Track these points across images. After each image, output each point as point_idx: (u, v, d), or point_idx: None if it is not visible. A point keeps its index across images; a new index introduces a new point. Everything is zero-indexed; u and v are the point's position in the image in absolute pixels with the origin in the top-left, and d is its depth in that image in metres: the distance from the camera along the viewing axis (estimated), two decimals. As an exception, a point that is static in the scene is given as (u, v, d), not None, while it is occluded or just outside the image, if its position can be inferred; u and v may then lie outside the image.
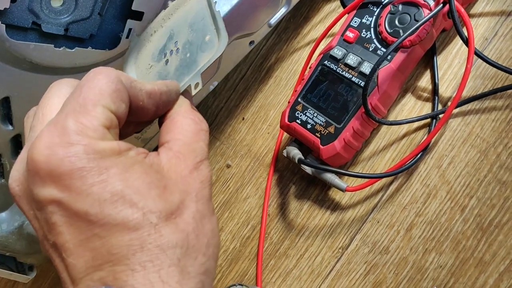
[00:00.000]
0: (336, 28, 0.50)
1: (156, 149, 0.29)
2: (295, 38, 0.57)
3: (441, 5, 0.42)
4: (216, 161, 0.57)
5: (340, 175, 0.47)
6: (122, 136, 0.29)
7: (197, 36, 0.33)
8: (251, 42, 0.54)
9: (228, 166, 0.56)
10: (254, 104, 0.58)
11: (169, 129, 0.29)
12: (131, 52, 0.39)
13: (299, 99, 0.48)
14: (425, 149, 0.45)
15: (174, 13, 0.36)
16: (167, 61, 0.35)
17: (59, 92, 0.28)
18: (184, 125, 0.29)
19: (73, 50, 0.40)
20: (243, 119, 0.58)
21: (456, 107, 0.45)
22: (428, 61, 0.48)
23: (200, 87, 0.31)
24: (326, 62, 0.48)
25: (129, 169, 0.24)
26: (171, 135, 0.28)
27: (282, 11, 0.53)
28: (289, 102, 0.49)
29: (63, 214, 0.23)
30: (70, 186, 0.23)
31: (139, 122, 0.31)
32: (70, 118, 0.24)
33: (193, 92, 0.31)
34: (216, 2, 0.33)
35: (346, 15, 0.49)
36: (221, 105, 0.60)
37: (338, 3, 0.55)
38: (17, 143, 0.44)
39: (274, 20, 0.53)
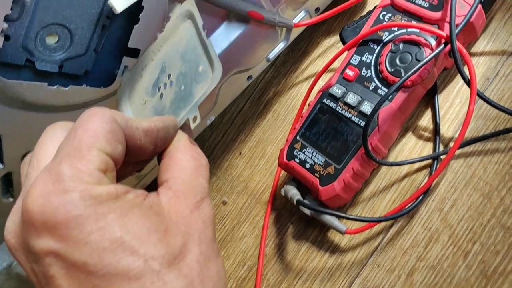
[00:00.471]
0: (335, 64, 0.50)
1: (153, 185, 0.28)
2: (294, 72, 0.57)
3: (443, 45, 0.41)
4: (212, 197, 0.56)
5: (340, 217, 0.45)
6: (121, 177, 0.29)
7: (190, 67, 0.32)
8: (249, 77, 0.53)
9: (224, 203, 0.55)
10: (251, 138, 0.57)
11: (168, 167, 0.28)
12: (124, 88, 0.38)
13: (297, 137, 0.47)
14: (426, 192, 0.44)
15: (164, 45, 0.35)
16: (161, 95, 0.34)
17: (53, 136, 0.27)
18: (183, 162, 0.28)
19: (67, 88, 0.39)
20: (240, 154, 0.56)
21: (458, 148, 0.44)
22: (429, 99, 0.48)
23: (198, 120, 0.30)
24: (325, 100, 0.47)
25: (128, 214, 0.23)
26: (170, 173, 0.28)
27: (280, 46, 0.53)
28: (287, 140, 0.48)
29: (61, 265, 0.22)
30: (66, 236, 0.22)
31: (138, 161, 0.30)
32: (65, 163, 0.23)
33: (192, 126, 0.30)
34: (206, 31, 0.32)
35: (346, 52, 0.48)
36: (218, 139, 0.59)
37: (337, 37, 0.54)
38: (7, 181, 0.43)
39: (272, 55, 0.52)
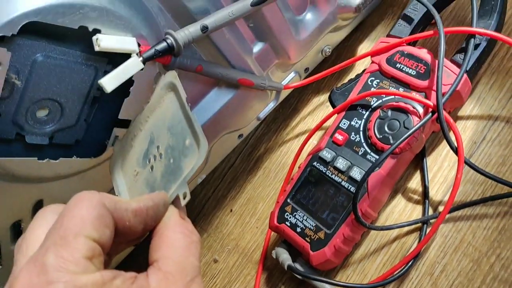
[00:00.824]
0: (325, 123, 0.50)
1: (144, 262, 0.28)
2: (284, 129, 0.57)
3: (430, 114, 0.42)
4: (203, 255, 0.56)
5: (331, 285, 0.45)
6: (115, 253, 0.29)
7: (177, 140, 0.32)
8: (240, 136, 0.53)
9: (215, 261, 0.55)
10: (242, 195, 0.57)
11: (158, 246, 0.28)
12: (116, 158, 0.38)
13: (288, 200, 0.47)
14: (416, 257, 0.44)
15: (151, 116, 0.35)
16: (152, 167, 0.34)
17: (43, 221, 0.27)
18: (174, 240, 0.28)
19: (57, 161, 0.39)
20: (231, 211, 0.56)
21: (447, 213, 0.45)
22: (418, 162, 0.48)
23: (188, 197, 0.30)
24: (315, 163, 0.47)
25: None
26: (160, 253, 0.27)
27: (270, 106, 0.53)
28: (277, 202, 0.48)
29: None
30: None
31: (129, 240, 0.30)
32: (50, 252, 0.23)
33: (183, 203, 0.30)
34: (189, 105, 0.32)
35: (335, 115, 0.49)
36: (208, 195, 0.59)
37: (327, 95, 0.55)
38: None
39: (262, 114, 0.53)
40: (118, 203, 0.27)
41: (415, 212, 0.47)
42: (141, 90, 0.40)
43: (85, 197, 0.25)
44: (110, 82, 0.33)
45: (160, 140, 0.34)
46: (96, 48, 0.34)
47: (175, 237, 0.28)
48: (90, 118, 0.41)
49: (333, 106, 0.49)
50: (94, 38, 0.34)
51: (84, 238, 0.24)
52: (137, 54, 0.36)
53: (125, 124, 0.41)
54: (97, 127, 0.42)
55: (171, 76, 0.34)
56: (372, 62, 0.48)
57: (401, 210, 0.47)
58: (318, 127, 0.51)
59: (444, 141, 0.48)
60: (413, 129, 0.42)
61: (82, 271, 0.23)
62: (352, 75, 0.53)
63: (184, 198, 0.30)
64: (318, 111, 0.56)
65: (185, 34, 0.38)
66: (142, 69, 0.38)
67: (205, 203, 0.58)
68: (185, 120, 0.32)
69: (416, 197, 0.47)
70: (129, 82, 0.39)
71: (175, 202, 0.31)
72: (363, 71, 0.49)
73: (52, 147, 0.40)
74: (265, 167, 0.57)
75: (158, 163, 0.34)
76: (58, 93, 0.38)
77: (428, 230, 0.45)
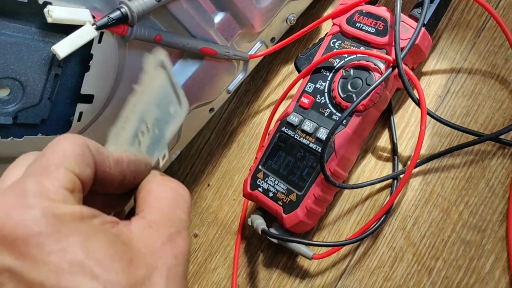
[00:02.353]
0: (293, 90, 0.51)
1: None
2: (256, 101, 0.58)
3: (390, 69, 0.42)
4: (183, 230, 0.56)
5: (305, 244, 0.46)
6: (89, 205, 0.28)
7: (162, 112, 0.33)
8: (211, 109, 0.54)
9: (196, 235, 0.55)
10: (218, 169, 0.57)
11: (144, 199, 0.27)
12: (109, 143, 0.38)
13: (259, 167, 0.48)
14: (388, 212, 0.45)
15: (142, 96, 0.35)
16: (139, 143, 0.34)
17: (24, 162, 0.26)
18: (160, 192, 0.27)
19: (21, 139, 0.39)
20: (209, 185, 0.57)
21: (416, 166, 0.45)
22: (385, 120, 0.49)
23: (167, 157, 0.30)
24: (283, 128, 0.47)
25: (92, 238, 0.22)
26: (145, 204, 0.26)
27: (239, 77, 0.54)
28: (250, 170, 0.49)
29: (15, 285, 0.21)
30: (25, 253, 0.21)
31: (106, 194, 0.29)
32: (30, 179, 0.23)
33: (161, 163, 0.30)
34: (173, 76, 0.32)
35: (301, 79, 0.49)
36: (186, 171, 0.59)
37: (295, 64, 0.55)
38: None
39: (232, 86, 0.53)
40: (101, 149, 0.27)
41: (386, 170, 0.48)
42: (101, 64, 0.40)
43: (69, 136, 0.25)
44: (62, 48, 0.34)
45: (149, 117, 0.34)
46: (49, 20, 0.34)
47: (161, 190, 0.27)
48: (54, 96, 0.41)
49: (299, 71, 0.50)
50: (45, 10, 0.35)
51: (65, 170, 0.24)
52: (90, 23, 0.36)
53: (89, 99, 0.41)
54: (62, 105, 0.42)
55: (162, 54, 0.34)
56: (333, 24, 0.48)
57: (372, 169, 0.48)
58: (285, 94, 0.51)
59: (410, 99, 0.48)
60: (374, 84, 0.42)
61: (62, 200, 0.23)
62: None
63: (163, 159, 0.30)
64: (287, 80, 0.57)
65: (139, 3, 0.39)
66: (100, 42, 0.39)
67: (183, 180, 0.59)
68: (171, 90, 0.32)
69: (385, 154, 0.48)
70: (89, 57, 0.40)
71: (156, 167, 0.31)
72: (326, 34, 0.49)
73: (18, 127, 0.41)
74: (239, 140, 0.57)
75: (145, 137, 0.34)
76: (18, 72, 0.38)
77: (398, 185, 0.46)
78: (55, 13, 0.34)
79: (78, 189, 0.24)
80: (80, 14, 0.36)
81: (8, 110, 0.39)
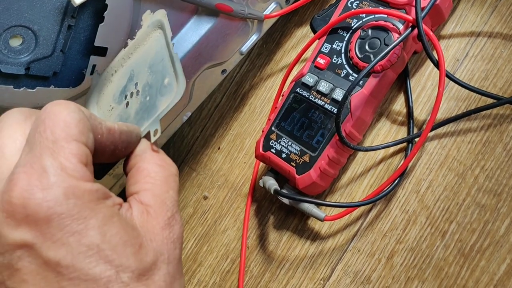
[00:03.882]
0: (308, 53, 0.50)
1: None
2: (268, 64, 0.57)
3: (410, 29, 0.42)
4: (193, 193, 0.56)
5: (317, 205, 0.45)
6: None
7: (156, 79, 0.32)
8: (224, 71, 0.53)
9: (205, 198, 0.55)
10: (229, 132, 0.57)
11: (136, 179, 0.28)
12: (93, 91, 0.38)
13: (272, 128, 0.47)
14: (402, 175, 0.44)
15: (134, 52, 0.35)
16: (127, 104, 0.34)
17: (13, 120, 0.27)
18: (151, 173, 0.28)
19: (34, 90, 0.39)
20: (219, 148, 0.57)
21: (431, 130, 0.45)
22: (401, 84, 0.48)
23: (159, 134, 0.30)
24: (298, 89, 0.47)
25: (108, 222, 0.23)
26: (139, 185, 0.27)
27: (253, 39, 0.53)
28: (263, 131, 0.48)
29: (31, 261, 0.22)
30: (46, 232, 0.22)
31: (94, 164, 0.29)
32: (47, 156, 0.23)
33: (153, 139, 0.30)
34: (173, 44, 0.32)
35: (317, 40, 0.48)
36: (196, 135, 0.59)
37: (309, 28, 0.54)
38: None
39: (245, 48, 0.52)
40: (93, 115, 0.26)
41: (400, 133, 0.47)
42: (116, 16, 0.39)
43: (61, 102, 0.25)
44: None
45: (139, 77, 0.34)
46: None
47: (152, 169, 0.28)
48: (66, 48, 0.40)
49: (314, 32, 0.49)
50: None
51: (76, 143, 0.24)
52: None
53: (102, 51, 0.41)
54: (74, 57, 0.41)
55: (161, 14, 0.34)
56: (352, -16, 0.47)
57: (386, 132, 0.47)
58: (300, 55, 0.50)
59: (427, 62, 0.48)
60: (393, 44, 0.41)
61: (81, 177, 0.23)
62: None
63: (155, 135, 0.30)
64: (301, 43, 0.56)
65: (155, -47, 0.38)
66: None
67: (193, 143, 0.58)
68: (168, 59, 0.32)
69: (400, 118, 0.47)
70: (103, 9, 0.39)
71: (146, 138, 0.31)
72: (343, -6, 0.48)
73: (30, 78, 0.40)
74: (251, 103, 0.56)
75: (134, 100, 0.34)
76: (31, 20, 0.37)
77: (412, 148, 0.45)
78: None
79: (90, 161, 0.25)
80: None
81: (20, 60, 0.38)
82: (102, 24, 0.39)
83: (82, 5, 0.39)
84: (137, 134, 0.30)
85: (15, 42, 0.38)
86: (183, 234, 0.27)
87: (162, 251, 0.25)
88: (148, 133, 0.30)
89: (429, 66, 0.47)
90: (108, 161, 0.29)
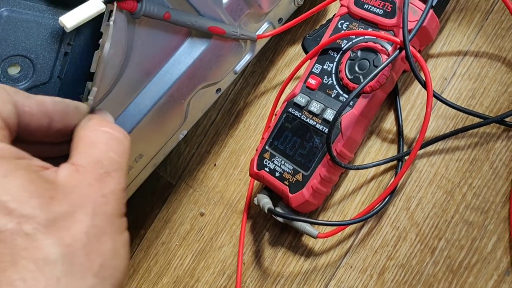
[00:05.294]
0: (300, 71, 0.51)
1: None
2: (262, 82, 0.58)
3: (398, 51, 0.43)
4: (190, 209, 0.57)
5: (311, 223, 0.46)
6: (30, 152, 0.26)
7: None
8: (218, 90, 0.54)
9: (202, 214, 0.56)
10: (225, 149, 0.58)
11: (76, 146, 0.26)
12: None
13: (266, 147, 0.48)
14: (392, 192, 0.45)
15: None
16: None
17: None
18: (92, 137, 0.26)
19: (32, 116, 0.40)
20: (215, 165, 0.58)
21: (421, 148, 0.46)
22: (391, 102, 0.49)
23: (94, 91, 0.29)
24: (290, 109, 0.48)
25: (10, 174, 0.21)
26: (76, 150, 0.26)
27: (246, 58, 0.54)
28: (257, 150, 0.49)
29: None
30: None
31: (41, 144, 0.28)
32: None
33: (90, 101, 0.29)
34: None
35: (309, 61, 0.49)
36: (192, 151, 0.60)
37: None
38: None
39: (239, 67, 0.53)
40: (19, 91, 0.26)
41: (391, 151, 0.48)
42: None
43: None
44: (70, 19, 0.34)
45: None
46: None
47: (93, 135, 0.26)
48: (63, 74, 0.42)
49: (306, 52, 0.50)
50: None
51: None
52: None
53: (98, 77, 0.42)
54: (71, 83, 0.42)
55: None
56: (341, 5, 0.48)
57: (377, 150, 0.48)
58: (293, 75, 0.51)
59: (416, 81, 0.49)
60: (382, 65, 0.42)
61: None
62: (325, 22, 0.54)
63: (90, 94, 0.29)
64: (294, 61, 0.57)
65: (148, -19, 0.39)
66: (109, 20, 0.39)
67: (189, 160, 0.59)
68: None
69: (391, 136, 0.48)
70: (98, 35, 0.40)
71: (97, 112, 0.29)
72: (334, 16, 0.49)
73: (28, 105, 0.41)
74: (246, 121, 0.58)
75: None
76: (28, 49, 0.38)
77: (402, 166, 0.46)
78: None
79: (1, 126, 0.23)
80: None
81: (19, 87, 0.39)
82: (98, 51, 0.40)
83: (77, 32, 0.41)
84: (77, 105, 0.28)
85: (13, 71, 0.39)
86: (121, 192, 0.25)
87: (84, 203, 0.23)
88: (101, 110, 0.29)
89: (418, 85, 0.48)
90: (50, 139, 0.28)
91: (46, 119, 0.26)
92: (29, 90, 0.40)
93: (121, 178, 0.25)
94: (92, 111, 0.28)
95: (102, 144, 0.26)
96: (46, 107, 0.26)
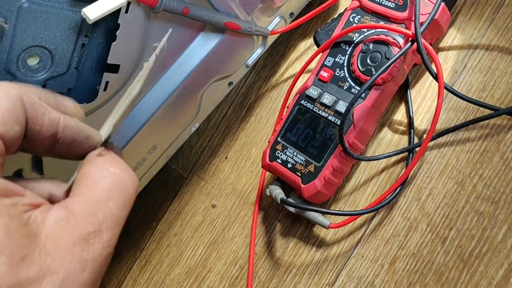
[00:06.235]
0: (312, 65, 0.52)
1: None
2: (273, 75, 0.59)
3: (410, 43, 0.43)
4: (202, 201, 0.58)
5: (322, 213, 0.47)
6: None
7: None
8: (230, 83, 0.55)
9: (214, 206, 0.57)
10: (236, 142, 0.58)
11: (78, 183, 0.23)
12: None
13: (278, 139, 0.49)
14: (403, 183, 0.46)
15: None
16: None
17: None
18: (96, 177, 0.23)
19: (51, 106, 0.40)
20: (227, 157, 0.58)
21: (431, 140, 0.46)
22: (402, 95, 0.49)
23: (110, 125, 0.26)
24: (302, 101, 0.48)
25: None
26: (77, 190, 0.23)
27: (258, 52, 0.54)
28: (269, 142, 0.50)
29: None
30: None
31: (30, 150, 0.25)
32: None
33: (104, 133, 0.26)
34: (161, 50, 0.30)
35: (320, 54, 0.50)
36: (204, 144, 0.60)
37: (312, 40, 0.56)
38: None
39: (251, 60, 0.54)
40: (38, 104, 0.23)
41: (402, 143, 0.49)
42: (128, 34, 0.41)
43: (4, 85, 0.22)
44: (93, 11, 0.35)
45: None
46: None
47: (99, 174, 0.23)
48: (81, 65, 0.42)
49: (318, 45, 0.51)
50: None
51: None
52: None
53: (115, 68, 0.43)
54: (88, 74, 0.43)
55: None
56: (353, -1, 0.49)
57: (388, 142, 0.49)
58: (304, 68, 0.52)
59: (427, 74, 0.49)
60: (394, 58, 0.43)
61: None
62: (336, 16, 0.54)
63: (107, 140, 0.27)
64: (305, 55, 0.57)
65: (166, -26, 0.39)
66: (126, 12, 0.40)
67: (201, 153, 0.60)
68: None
69: (402, 128, 0.49)
70: (114, 28, 0.41)
71: (111, 148, 0.27)
72: (345, 9, 0.50)
73: (46, 95, 0.42)
74: (257, 114, 0.58)
75: None
76: (47, 40, 0.39)
77: (413, 157, 0.47)
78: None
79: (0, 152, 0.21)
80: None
81: (38, 78, 0.40)
82: (115, 42, 0.41)
83: (95, 24, 0.41)
84: (90, 136, 0.25)
85: (33, 61, 0.39)
86: (106, 258, 0.21)
87: (56, 269, 0.20)
88: (114, 145, 0.27)
89: (429, 77, 0.49)
90: (50, 156, 0.25)
91: (50, 139, 0.24)
92: (47, 80, 0.41)
93: (111, 239, 0.22)
94: (105, 143, 0.26)
95: (104, 190, 0.22)
96: (55, 128, 0.24)
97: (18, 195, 0.21)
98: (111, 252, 0.22)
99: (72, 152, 0.25)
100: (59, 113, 0.24)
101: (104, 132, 0.26)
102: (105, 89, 0.43)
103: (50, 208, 0.21)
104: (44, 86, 0.41)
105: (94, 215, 0.21)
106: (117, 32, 0.40)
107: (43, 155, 0.25)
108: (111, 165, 0.24)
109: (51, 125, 0.23)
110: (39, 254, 0.19)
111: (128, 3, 0.39)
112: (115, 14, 0.39)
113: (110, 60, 0.42)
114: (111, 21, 0.41)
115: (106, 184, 0.23)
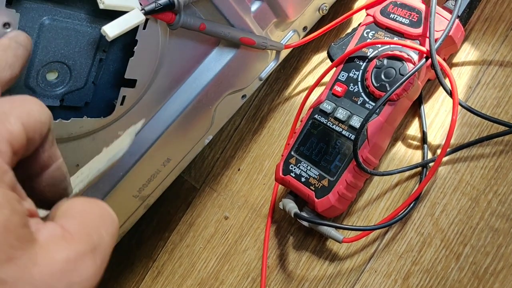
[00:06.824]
0: (325, 78, 0.52)
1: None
2: (286, 88, 0.59)
3: (424, 59, 0.43)
4: (214, 213, 0.58)
5: (336, 228, 0.47)
6: None
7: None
8: (243, 96, 0.55)
9: (226, 218, 0.57)
10: (249, 154, 0.59)
11: (66, 212, 0.22)
12: None
13: (292, 153, 0.49)
14: (417, 199, 0.46)
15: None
16: None
17: None
18: (86, 207, 0.22)
19: (68, 121, 0.41)
20: (239, 169, 0.59)
21: (445, 155, 0.46)
22: (416, 110, 0.50)
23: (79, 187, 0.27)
24: (316, 116, 0.49)
25: None
26: (67, 216, 0.22)
27: (271, 65, 0.55)
28: (282, 155, 0.50)
29: None
30: None
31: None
32: None
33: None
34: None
35: (334, 68, 0.50)
36: (217, 156, 0.61)
37: (326, 53, 0.56)
38: None
39: (264, 74, 0.55)
40: (51, 141, 0.23)
41: (415, 158, 0.49)
42: (145, 50, 0.42)
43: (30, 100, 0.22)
44: (112, 29, 0.35)
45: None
46: (101, 6, 0.36)
47: (88, 206, 0.23)
48: (98, 80, 0.43)
49: (332, 60, 0.51)
50: None
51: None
52: (139, 9, 0.37)
53: (132, 83, 0.43)
54: (105, 88, 0.44)
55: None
56: (367, 15, 0.49)
57: (402, 157, 0.49)
58: (318, 82, 0.52)
59: (440, 88, 0.49)
60: (408, 74, 0.43)
61: None
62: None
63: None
64: (318, 69, 0.58)
65: (184, -9, 0.40)
66: (144, 28, 0.40)
67: (214, 164, 0.60)
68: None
69: (415, 143, 0.49)
70: (131, 43, 0.41)
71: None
72: (359, 24, 0.50)
73: (63, 109, 0.42)
74: (270, 126, 0.58)
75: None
76: (66, 56, 0.40)
77: (427, 173, 0.47)
78: (107, 0, 0.36)
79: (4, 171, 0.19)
80: (129, 1, 0.38)
81: (56, 92, 0.41)
82: (132, 58, 0.41)
83: (112, 40, 0.42)
84: (67, 188, 0.26)
85: (51, 76, 0.40)
86: (95, 280, 0.20)
87: (38, 285, 0.18)
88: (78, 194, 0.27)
89: (442, 92, 0.49)
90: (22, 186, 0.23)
91: (39, 168, 0.23)
92: (65, 95, 0.41)
93: (101, 265, 0.21)
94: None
95: (97, 217, 0.22)
96: (51, 162, 0.24)
97: (22, 197, 0.20)
98: (99, 274, 0.20)
99: (45, 193, 0.24)
100: (60, 155, 0.24)
101: (78, 187, 0.26)
102: (122, 103, 0.43)
103: (44, 222, 0.20)
104: (62, 100, 0.42)
105: (89, 236, 0.21)
106: (135, 48, 0.41)
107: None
108: (95, 201, 0.23)
109: (49, 158, 0.23)
110: (26, 261, 0.18)
111: (146, 20, 0.40)
112: (133, 29, 0.40)
113: (127, 75, 0.42)
114: (128, 36, 0.41)
115: (98, 212, 0.22)
